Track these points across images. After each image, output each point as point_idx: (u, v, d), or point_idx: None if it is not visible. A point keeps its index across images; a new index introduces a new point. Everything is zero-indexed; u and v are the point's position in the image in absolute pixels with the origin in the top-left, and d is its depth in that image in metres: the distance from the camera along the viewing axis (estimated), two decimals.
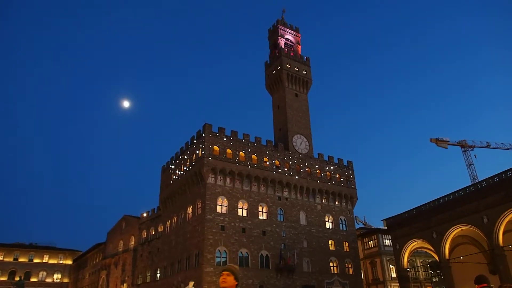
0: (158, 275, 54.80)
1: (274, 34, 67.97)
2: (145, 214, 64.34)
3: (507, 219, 34.68)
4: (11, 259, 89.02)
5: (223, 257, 44.25)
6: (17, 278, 77.29)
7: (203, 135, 48.51)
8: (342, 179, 59.07)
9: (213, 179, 47.31)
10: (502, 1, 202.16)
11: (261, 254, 47.09)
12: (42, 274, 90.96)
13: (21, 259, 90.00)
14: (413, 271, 55.64)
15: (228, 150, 49.34)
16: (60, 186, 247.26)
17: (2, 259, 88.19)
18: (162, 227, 58.20)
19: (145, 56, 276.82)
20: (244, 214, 48.19)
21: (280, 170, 52.66)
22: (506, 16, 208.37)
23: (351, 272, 53.97)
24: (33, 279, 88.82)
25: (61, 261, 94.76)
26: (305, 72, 64.30)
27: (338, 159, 60.43)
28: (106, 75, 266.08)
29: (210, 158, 47.19)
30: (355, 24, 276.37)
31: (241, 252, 45.68)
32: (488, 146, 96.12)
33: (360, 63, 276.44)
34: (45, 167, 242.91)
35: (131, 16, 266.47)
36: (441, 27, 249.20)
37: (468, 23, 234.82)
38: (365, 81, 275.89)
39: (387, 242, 57.41)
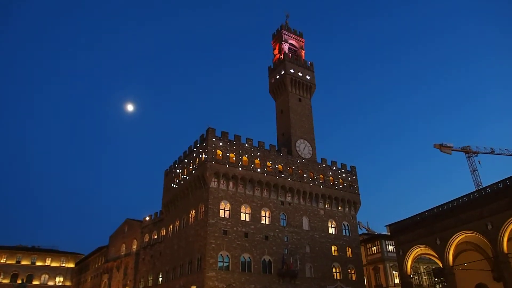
0: (160, 279, 54.65)
1: (278, 39, 68.17)
2: (147, 218, 64.30)
3: (511, 226, 34.42)
4: (14, 262, 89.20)
5: (225, 262, 44.09)
6: (19, 281, 77.39)
7: (206, 139, 48.55)
8: (345, 184, 58.89)
9: (216, 183, 47.25)
10: (509, 13, 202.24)
11: (264, 259, 46.87)
12: (44, 277, 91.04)
13: (24, 262, 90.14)
14: (416, 277, 55.24)
15: (231, 155, 49.31)
16: (63, 189, 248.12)
17: (4, 261, 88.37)
18: (164, 231, 58.13)
19: (149, 61, 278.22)
20: (247, 219, 48.05)
21: (283, 175, 52.56)
22: None
23: (354, 278, 53.62)
24: (35, 282, 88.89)
25: (63, 264, 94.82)
26: (308, 77, 64.34)
27: (341, 164, 60.29)
28: (110, 80, 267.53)
29: (213, 162, 47.16)
30: (360, 30, 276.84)
31: (243, 257, 45.50)
32: (492, 152, 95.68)
33: (365, 70, 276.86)
34: (48, 170, 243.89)
35: (135, 20, 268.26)
36: (447, 36, 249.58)
37: (474, 34, 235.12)
38: (370, 89, 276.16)
39: (390, 248, 57.06)
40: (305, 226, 52.77)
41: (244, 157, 50.11)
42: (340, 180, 58.60)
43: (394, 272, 55.63)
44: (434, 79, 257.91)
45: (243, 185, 49.11)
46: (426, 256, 49.06)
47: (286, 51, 65.16)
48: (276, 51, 67.75)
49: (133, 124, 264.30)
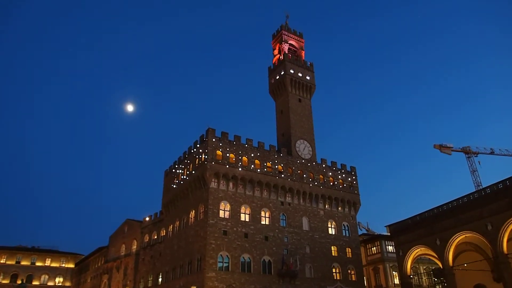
0: (160, 279, 54.64)
1: (278, 40, 68.20)
2: (147, 218, 64.29)
3: (511, 226, 34.43)
4: (13, 262, 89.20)
5: (225, 262, 44.08)
6: (19, 281, 77.41)
7: (206, 139, 48.55)
8: (345, 185, 58.88)
9: (216, 183, 47.25)
10: (509, 13, 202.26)
11: (264, 259, 46.86)
12: (44, 277, 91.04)
13: (23, 262, 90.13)
14: (416, 278, 55.21)
15: (231, 155, 49.31)
16: (63, 189, 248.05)
17: (4, 262, 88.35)
18: (164, 231, 58.12)
19: (149, 61, 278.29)
20: (247, 219, 48.05)
21: (283, 175, 52.57)
22: None
23: (353, 279, 53.60)
24: (35, 283, 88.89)
25: (63, 265, 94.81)
26: (308, 78, 64.35)
27: (341, 164, 60.29)
28: (110, 80, 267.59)
29: (213, 163, 47.17)
30: (360, 30, 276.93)
31: (243, 257, 45.49)
32: (492, 153, 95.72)
33: (365, 70, 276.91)
34: (48, 170, 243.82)
35: (135, 20, 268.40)
36: (447, 36, 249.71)
37: (474, 34, 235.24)
38: (370, 89, 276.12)
39: (390, 248, 57.05)
40: (305, 226, 52.76)
41: (244, 157, 50.11)
42: (340, 181, 58.61)
43: (394, 272, 55.62)
44: (434, 79, 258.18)
45: (243, 186, 49.11)
46: (426, 256, 49.06)
47: (286, 52, 65.18)
48: (276, 52, 67.79)
49: (133, 124, 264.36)
